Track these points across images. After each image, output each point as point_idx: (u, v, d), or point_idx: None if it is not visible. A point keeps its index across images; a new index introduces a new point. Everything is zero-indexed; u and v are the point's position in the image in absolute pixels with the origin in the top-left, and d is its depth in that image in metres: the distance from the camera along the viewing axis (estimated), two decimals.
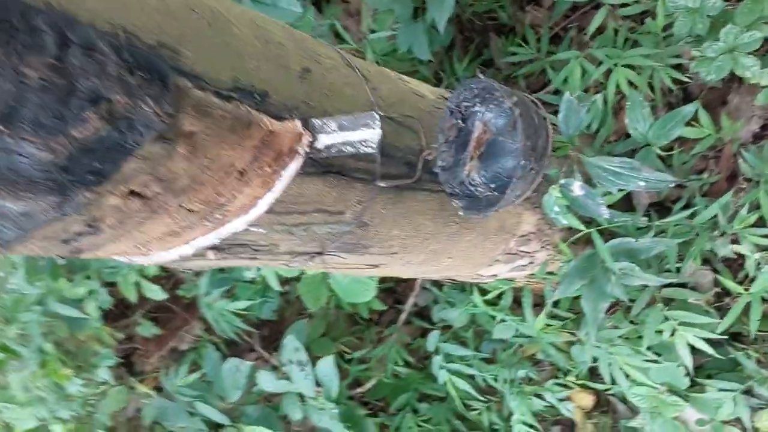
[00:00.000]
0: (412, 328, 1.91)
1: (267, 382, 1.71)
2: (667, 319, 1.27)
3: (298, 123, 0.73)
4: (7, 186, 0.53)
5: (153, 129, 0.57)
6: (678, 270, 1.30)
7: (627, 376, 1.36)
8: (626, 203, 1.41)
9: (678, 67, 1.35)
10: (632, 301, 1.33)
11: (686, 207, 1.32)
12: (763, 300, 1.27)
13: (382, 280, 1.94)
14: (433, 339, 1.67)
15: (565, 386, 1.59)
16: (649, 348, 1.35)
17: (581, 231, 1.21)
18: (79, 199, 0.57)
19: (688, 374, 1.32)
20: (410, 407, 1.83)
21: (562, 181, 1.09)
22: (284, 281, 1.91)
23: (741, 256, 1.33)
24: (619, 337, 1.35)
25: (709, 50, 1.20)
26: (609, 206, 1.24)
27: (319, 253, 0.88)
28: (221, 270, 1.89)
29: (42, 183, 0.54)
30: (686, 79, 1.34)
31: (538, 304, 1.49)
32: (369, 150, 0.74)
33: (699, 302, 1.34)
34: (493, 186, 0.91)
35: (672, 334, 1.26)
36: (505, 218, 1.14)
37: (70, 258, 0.72)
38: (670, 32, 1.27)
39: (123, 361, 2.15)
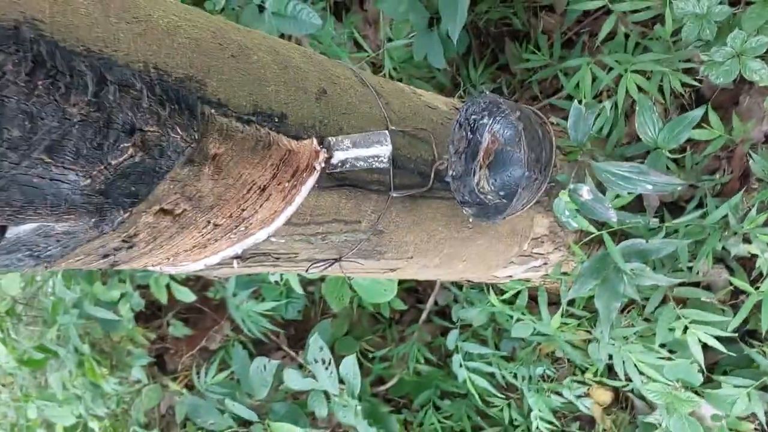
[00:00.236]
0: (433, 326, 1.96)
1: (293, 379, 1.77)
2: (679, 317, 1.29)
3: (314, 141, 0.78)
4: (52, 209, 0.60)
5: (182, 154, 0.63)
6: (690, 269, 1.33)
7: (641, 373, 1.39)
8: (638, 204, 1.43)
9: (690, 71, 1.37)
10: (646, 300, 1.36)
11: (699, 207, 1.35)
12: None
13: (403, 280, 1.99)
14: (452, 337, 1.72)
15: (582, 383, 1.63)
16: (663, 346, 1.38)
17: (593, 233, 1.25)
18: (115, 218, 0.63)
19: (701, 371, 1.35)
20: (432, 404, 1.88)
21: (571, 186, 1.13)
22: (308, 283, 1.98)
23: (756, 255, 1.35)
24: (633, 334, 1.38)
25: (717, 55, 1.23)
26: (621, 208, 1.27)
27: (337, 260, 0.94)
28: (247, 273, 1.96)
29: (82, 206, 0.61)
30: (696, 83, 1.36)
31: (555, 303, 1.52)
32: (381, 165, 0.79)
33: (712, 301, 1.36)
34: (502, 194, 0.96)
35: (684, 332, 1.29)
36: (516, 222, 1.19)
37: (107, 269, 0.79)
38: (679, 37, 1.30)
39: (155, 361, 2.23)
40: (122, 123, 0.58)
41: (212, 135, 0.66)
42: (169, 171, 0.63)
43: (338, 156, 0.79)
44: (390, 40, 1.69)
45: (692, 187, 1.46)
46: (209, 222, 0.74)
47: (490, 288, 1.54)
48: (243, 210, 0.76)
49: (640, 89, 1.35)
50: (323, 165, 0.79)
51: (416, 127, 0.96)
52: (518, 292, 1.51)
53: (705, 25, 1.24)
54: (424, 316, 1.91)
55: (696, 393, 1.38)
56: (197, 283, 2.19)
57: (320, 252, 0.91)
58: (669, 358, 1.37)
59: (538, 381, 1.66)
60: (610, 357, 1.45)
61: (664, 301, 1.36)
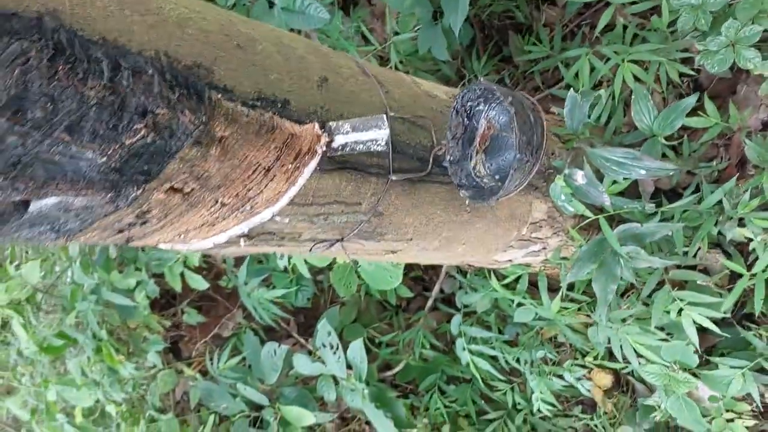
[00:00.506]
0: (439, 313, 2.01)
1: (302, 364, 1.83)
2: (674, 300, 1.33)
3: (316, 126, 0.83)
4: (72, 184, 0.65)
5: (190, 135, 0.68)
6: (686, 254, 1.36)
7: (639, 355, 1.42)
8: (635, 191, 1.47)
9: (688, 61, 1.40)
10: (645, 284, 1.40)
11: (696, 193, 1.38)
12: None
13: (411, 268, 2.04)
14: (456, 322, 1.76)
15: (583, 366, 1.67)
16: (662, 329, 1.42)
17: (590, 217, 1.28)
18: (130, 194, 0.69)
19: (697, 352, 1.39)
20: (437, 388, 1.92)
21: (566, 171, 1.17)
22: (317, 272, 2.03)
23: (751, 239, 1.38)
24: (630, 317, 1.41)
25: (712, 44, 1.26)
26: (619, 194, 1.31)
27: (339, 240, 0.99)
28: (259, 261, 2.01)
29: (99, 182, 0.66)
30: (692, 73, 1.39)
31: (556, 290, 1.56)
32: (378, 148, 0.84)
33: (708, 284, 1.40)
34: (497, 177, 1.00)
35: (679, 314, 1.32)
36: (515, 207, 1.23)
37: (123, 245, 0.84)
38: (675, 28, 1.33)
39: (170, 347, 2.30)
40: (135, 106, 0.63)
41: (219, 118, 0.71)
42: (179, 151, 0.68)
43: (339, 140, 0.84)
44: (396, 33, 1.73)
45: (691, 175, 1.49)
46: (217, 201, 0.79)
47: (492, 273, 1.59)
48: (249, 190, 0.81)
49: (637, 79, 1.38)
50: (324, 148, 0.84)
51: (415, 114, 1.01)
52: (519, 277, 1.55)
53: (700, 16, 1.28)
54: (429, 303, 1.95)
55: (693, 375, 1.42)
56: (210, 272, 2.25)
57: (323, 232, 0.96)
58: (667, 341, 1.41)
59: (539, 364, 1.70)
60: (610, 341, 1.49)
61: (662, 285, 1.39)
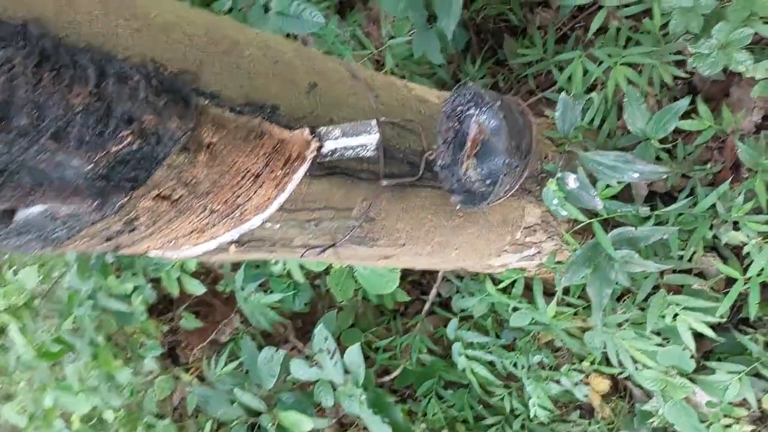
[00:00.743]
0: (437, 318, 2.01)
1: (299, 370, 1.82)
2: (670, 304, 1.33)
3: (306, 131, 0.83)
4: (58, 192, 0.65)
5: (178, 142, 0.68)
6: (681, 258, 1.36)
7: (635, 360, 1.42)
8: (630, 195, 1.47)
9: (682, 63, 1.40)
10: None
11: (691, 196, 1.38)
12: (765, 285, 1.32)
13: (409, 273, 2.04)
14: (452, 327, 1.76)
15: (580, 371, 1.66)
16: (658, 334, 1.41)
17: (583, 221, 1.28)
18: (117, 202, 0.69)
19: (693, 357, 1.38)
20: (435, 394, 1.92)
21: (559, 175, 1.17)
22: (315, 275, 2.03)
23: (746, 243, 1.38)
24: (626, 321, 1.41)
25: (704, 47, 1.26)
26: (612, 197, 1.31)
27: (332, 246, 0.99)
28: (256, 266, 2.01)
29: (86, 189, 0.66)
30: (686, 75, 1.39)
31: (552, 295, 1.56)
32: (367, 154, 0.84)
33: (704, 288, 1.39)
34: (488, 182, 1.00)
35: (674, 319, 1.32)
36: (507, 211, 1.23)
37: (113, 253, 0.84)
38: (668, 30, 1.33)
39: (168, 353, 2.29)
40: (121, 112, 0.63)
41: (206, 124, 0.71)
42: (166, 158, 0.68)
43: (328, 146, 0.84)
44: (392, 37, 1.73)
45: (686, 178, 1.49)
46: (206, 207, 0.79)
47: (487, 278, 1.58)
48: (238, 196, 0.81)
49: (630, 82, 1.39)
50: (314, 154, 0.84)
51: (406, 119, 1.01)
52: (514, 281, 1.54)
53: (692, 18, 1.28)
54: (426, 307, 1.95)
55: (690, 380, 1.41)
56: (207, 277, 2.25)
57: (314, 238, 0.96)
58: (663, 345, 1.40)
59: (536, 369, 1.70)
60: (606, 346, 1.49)
61: (657, 289, 1.39)
